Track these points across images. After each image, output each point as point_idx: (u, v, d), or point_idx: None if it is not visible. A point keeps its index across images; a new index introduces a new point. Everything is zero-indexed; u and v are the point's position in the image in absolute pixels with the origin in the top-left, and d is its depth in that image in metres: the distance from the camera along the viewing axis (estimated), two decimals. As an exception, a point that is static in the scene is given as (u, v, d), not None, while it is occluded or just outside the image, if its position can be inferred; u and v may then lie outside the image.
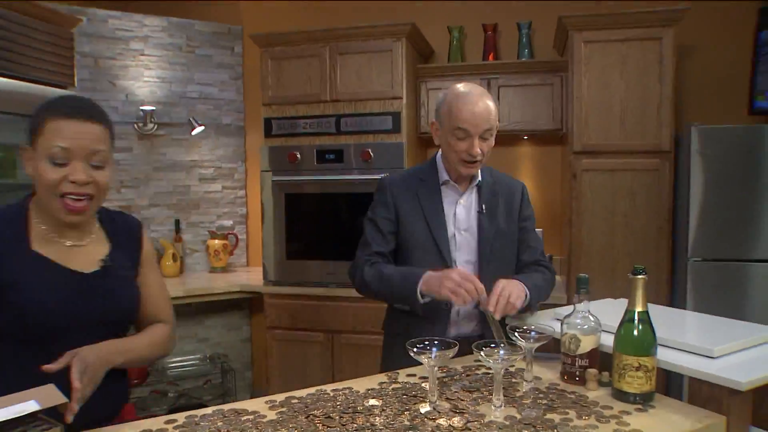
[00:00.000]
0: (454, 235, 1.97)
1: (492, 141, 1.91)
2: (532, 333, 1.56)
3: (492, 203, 2.00)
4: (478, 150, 1.86)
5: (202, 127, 4.02)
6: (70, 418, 1.19)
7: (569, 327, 1.57)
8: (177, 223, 4.07)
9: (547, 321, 1.81)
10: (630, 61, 3.07)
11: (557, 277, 3.72)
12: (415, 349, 1.41)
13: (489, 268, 1.94)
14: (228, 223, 4.25)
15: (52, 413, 1.17)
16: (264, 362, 3.96)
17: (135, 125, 3.95)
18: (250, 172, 4.30)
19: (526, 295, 1.81)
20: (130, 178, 3.98)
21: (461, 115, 1.85)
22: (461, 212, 1.99)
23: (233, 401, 3.92)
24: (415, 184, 2.02)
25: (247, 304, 4.16)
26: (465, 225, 1.98)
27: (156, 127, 3.99)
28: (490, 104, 1.88)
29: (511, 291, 1.74)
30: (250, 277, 3.92)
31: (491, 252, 1.95)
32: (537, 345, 1.54)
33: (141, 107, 3.94)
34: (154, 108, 3.96)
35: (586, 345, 1.54)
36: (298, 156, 3.48)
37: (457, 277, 1.73)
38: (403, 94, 3.38)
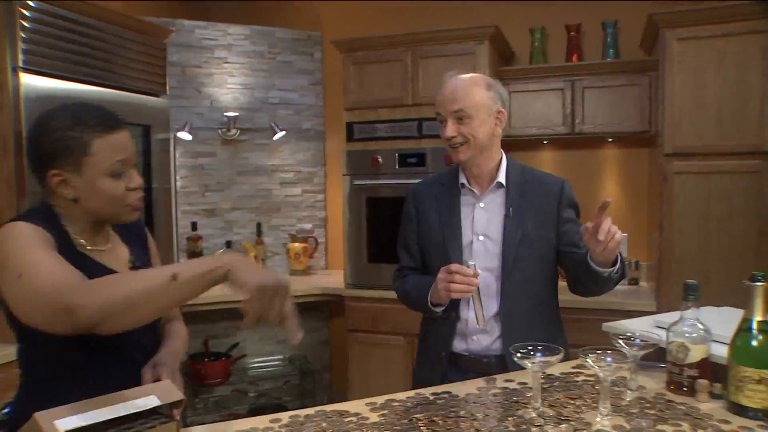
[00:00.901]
0: (471, 241, 1.88)
1: (474, 123, 1.79)
2: (637, 340, 1.50)
3: (520, 205, 1.86)
4: (449, 132, 1.80)
5: (284, 132, 4.11)
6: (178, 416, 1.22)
7: (676, 335, 1.50)
8: (259, 226, 4.17)
9: (645, 328, 1.74)
10: (728, 57, 2.92)
11: (644, 284, 3.60)
12: (518, 355, 1.38)
13: (512, 277, 1.83)
14: (308, 226, 4.32)
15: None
16: (342, 365, 4.00)
17: (219, 131, 4.08)
18: (329, 175, 4.35)
19: (617, 258, 1.71)
20: (214, 182, 4.11)
21: (436, 99, 1.86)
22: (480, 216, 1.89)
23: (313, 402, 3.98)
24: (437, 190, 1.98)
25: (326, 306, 4.21)
26: (483, 230, 1.87)
27: (239, 132, 4.10)
28: (463, 85, 1.82)
29: (615, 233, 1.59)
30: (329, 280, 3.96)
31: (515, 260, 1.83)
32: (643, 353, 1.48)
33: (225, 113, 4.06)
34: (237, 114, 4.07)
35: (696, 354, 1.47)
36: (380, 160, 3.49)
37: (442, 274, 1.71)
38: (486, 96, 3.34)
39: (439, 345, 1.90)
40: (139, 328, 1.34)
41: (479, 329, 1.82)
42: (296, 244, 4.11)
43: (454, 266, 1.68)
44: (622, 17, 3.60)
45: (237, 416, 3.90)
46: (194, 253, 3.91)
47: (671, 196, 3.06)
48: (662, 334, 1.56)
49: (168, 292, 1.14)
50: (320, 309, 4.19)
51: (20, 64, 2.41)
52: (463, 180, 1.92)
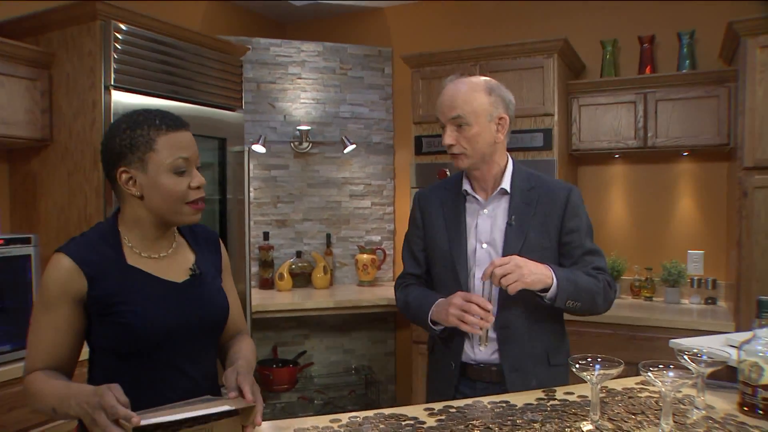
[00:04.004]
0: (476, 249, 1.84)
1: (471, 131, 1.76)
2: (703, 356, 1.46)
3: (524, 213, 1.81)
4: (447, 140, 1.77)
5: (354, 146, 4.19)
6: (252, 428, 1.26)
7: (748, 354, 1.45)
8: (328, 237, 4.26)
9: (715, 345, 1.69)
10: (813, 67, 2.79)
11: (722, 303, 3.45)
12: (577, 366, 1.37)
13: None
14: (376, 238, 4.38)
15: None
16: (407, 376, 4.02)
17: (291, 144, 4.21)
18: (398, 188, 4.41)
19: (551, 284, 1.68)
20: (286, 193, 4.23)
21: (436, 105, 1.83)
22: (483, 223, 1.85)
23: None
24: (442, 195, 1.93)
25: (393, 318, 4.25)
26: (487, 237, 1.83)
27: (310, 145, 4.22)
28: (462, 90, 1.77)
29: (512, 271, 1.61)
30: (395, 291, 4.00)
31: None
32: (710, 370, 1.44)
33: (297, 127, 4.19)
34: (309, 128, 4.19)
35: (769, 374, 1.42)
36: (448, 173, 3.51)
37: (459, 301, 1.67)
38: (555, 110, 3.32)
39: (449, 356, 1.87)
40: (197, 345, 1.45)
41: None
42: (364, 256, 4.17)
43: (475, 296, 1.67)
44: (700, 27, 3.50)
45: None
46: (265, 262, 4.04)
47: (751, 211, 2.94)
48: (732, 352, 1.52)
49: (52, 417, 1.36)
50: (387, 320, 4.24)
51: (111, 82, 2.60)
52: (466, 186, 1.89)
